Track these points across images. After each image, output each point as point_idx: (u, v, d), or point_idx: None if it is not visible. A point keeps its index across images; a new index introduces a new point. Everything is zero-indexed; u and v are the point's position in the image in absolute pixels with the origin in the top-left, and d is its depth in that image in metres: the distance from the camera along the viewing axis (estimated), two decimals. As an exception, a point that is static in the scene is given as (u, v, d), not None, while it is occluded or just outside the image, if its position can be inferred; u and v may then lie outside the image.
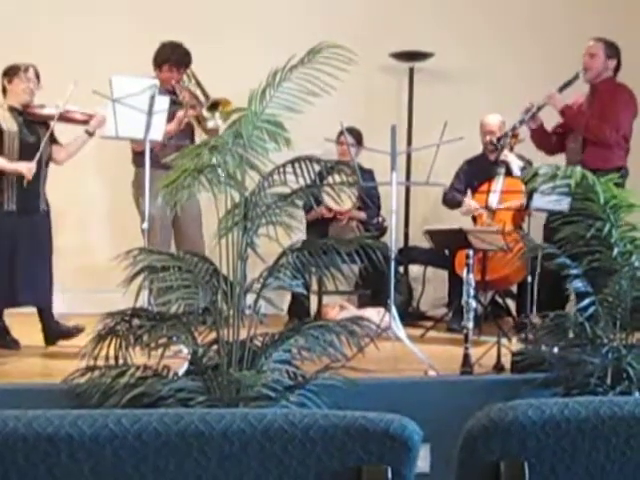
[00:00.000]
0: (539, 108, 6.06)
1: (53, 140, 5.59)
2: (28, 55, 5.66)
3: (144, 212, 5.42)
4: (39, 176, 5.44)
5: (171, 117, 6.02)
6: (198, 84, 6.46)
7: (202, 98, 6.41)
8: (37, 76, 5.52)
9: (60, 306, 5.70)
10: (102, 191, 7.20)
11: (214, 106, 6.26)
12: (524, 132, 6.44)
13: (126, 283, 3.94)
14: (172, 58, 6.36)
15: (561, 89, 6.04)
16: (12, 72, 5.51)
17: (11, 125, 5.43)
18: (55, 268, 5.54)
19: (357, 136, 6.85)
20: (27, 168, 5.33)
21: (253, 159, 3.97)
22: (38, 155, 5.37)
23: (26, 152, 5.39)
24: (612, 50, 6.09)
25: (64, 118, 5.51)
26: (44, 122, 5.53)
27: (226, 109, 6.12)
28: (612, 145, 6.00)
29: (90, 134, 5.60)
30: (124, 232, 6.43)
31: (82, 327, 5.22)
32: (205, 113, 6.27)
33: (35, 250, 5.41)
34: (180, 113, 6.20)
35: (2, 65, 5.65)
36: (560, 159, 6.25)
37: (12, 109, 5.48)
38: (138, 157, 5.97)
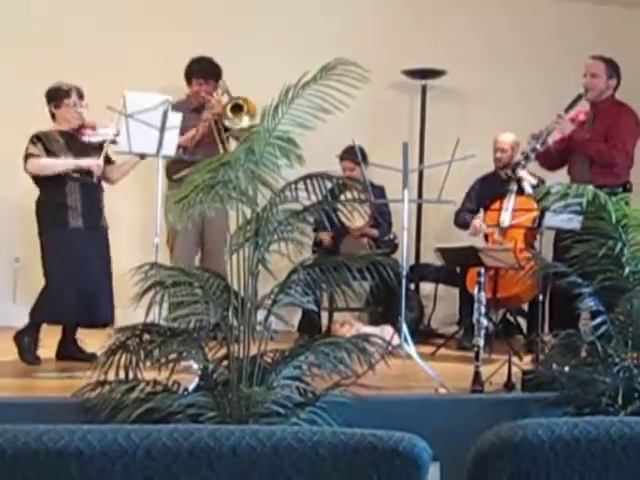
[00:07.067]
0: (548, 133, 6.01)
1: (107, 160, 5.61)
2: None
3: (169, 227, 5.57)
4: (98, 193, 5.52)
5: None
6: (231, 98, 6.47)
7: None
8: (80, 96, 5.54)
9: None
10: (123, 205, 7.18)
11: (237, 108, 6.29)
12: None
13: (137, 298, 3.95)
14: (198, 70, 6.50)
15: (566, 111, 6.00)
16: (58, 98, 5.52)
17: (63, 149, 5.45)
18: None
19: (361, 153, 6.81)
20: (97, 165, 5.39)
21: (265, 175, 3.98)
22: (103, 153, 5.42)
23: (78, 172, 5.43)
24: (612, 69, 6.05)
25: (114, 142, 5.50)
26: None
27: (251, 107, 6.16)
28: (619, 164, 6.01)
29: (142, 157, 5.56)
30: (141, 246, 6.43)
31: (96, 355, 5.17)
32: (229, 115, 6.28)
33: (101, 267, 5.44)
34: (204, 114, 6.32)
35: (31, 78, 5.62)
36: (562, 174, 6.24)
37: (62, 133, 5.52)
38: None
